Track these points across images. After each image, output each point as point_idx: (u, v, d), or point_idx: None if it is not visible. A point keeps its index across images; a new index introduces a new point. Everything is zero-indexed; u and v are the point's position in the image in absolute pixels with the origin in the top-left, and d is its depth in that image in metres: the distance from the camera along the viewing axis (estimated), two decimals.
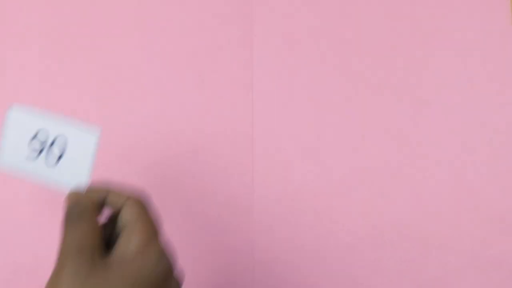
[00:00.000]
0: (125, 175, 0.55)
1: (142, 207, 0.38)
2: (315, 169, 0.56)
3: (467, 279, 0.54)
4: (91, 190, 0.39)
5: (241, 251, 0.54)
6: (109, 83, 0.58)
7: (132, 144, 0.56)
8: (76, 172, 0.42)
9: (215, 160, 0.56)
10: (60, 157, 0.42)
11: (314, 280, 0.54)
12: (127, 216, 0.38)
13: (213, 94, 0.57)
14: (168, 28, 0.59)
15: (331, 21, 0.59)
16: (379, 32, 0.59)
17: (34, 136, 0.42)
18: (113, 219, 0.39)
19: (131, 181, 0.55)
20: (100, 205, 0.39)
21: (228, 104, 0.57)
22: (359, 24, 0.59)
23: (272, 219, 0.55)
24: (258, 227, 0.55)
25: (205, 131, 0.56)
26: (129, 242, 0.36)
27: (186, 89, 0.57)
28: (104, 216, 0.38)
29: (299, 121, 0.57)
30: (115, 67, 0.58)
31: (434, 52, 0.59)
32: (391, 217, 0.55)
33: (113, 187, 0.39)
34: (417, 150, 0.57)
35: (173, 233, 0.54)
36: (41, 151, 0.42)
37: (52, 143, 0.42)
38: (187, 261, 0.54)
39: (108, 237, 0.38)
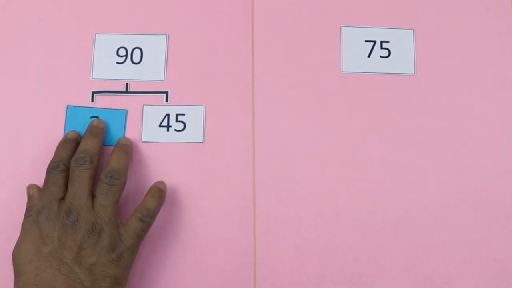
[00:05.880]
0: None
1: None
2: (316, 168, 0.56)
3: (469, 277, 0.54)
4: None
5: (241, 251, 0.54)
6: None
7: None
8: (154, 69, 0.56)
9: (215, 160, 0.56)
10: (140, 61, 0.56)
11: (316, 279, 0.54)
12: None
13: (213, 94, 0.57)
14: (167, 28, 0.59)
15: (331, 20, 0.60)
16: None
17: (117, 50, 0.56)
18: None
19: (131, 181, 0.55)
20: None
21: (228, 103, 0.57)
22: (359, 23, 0.60)
23: (273, 217, 0.55)
24: (259, 226, 0.54)
25: (205, 130, 0.56)
26: None
27: (186, 89, 0.57)
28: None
29: (300, 120, 0.57)
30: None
31: (434, 53, 0.59)
32: (393, 216, 0.55)
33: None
34: (419, 148, 0.57)
35: (173, 232, 0.54)
36: (125, 60, 0.56)
37: (132, 52, 0.56)
38: (187, 260, 0.54)
39: None
